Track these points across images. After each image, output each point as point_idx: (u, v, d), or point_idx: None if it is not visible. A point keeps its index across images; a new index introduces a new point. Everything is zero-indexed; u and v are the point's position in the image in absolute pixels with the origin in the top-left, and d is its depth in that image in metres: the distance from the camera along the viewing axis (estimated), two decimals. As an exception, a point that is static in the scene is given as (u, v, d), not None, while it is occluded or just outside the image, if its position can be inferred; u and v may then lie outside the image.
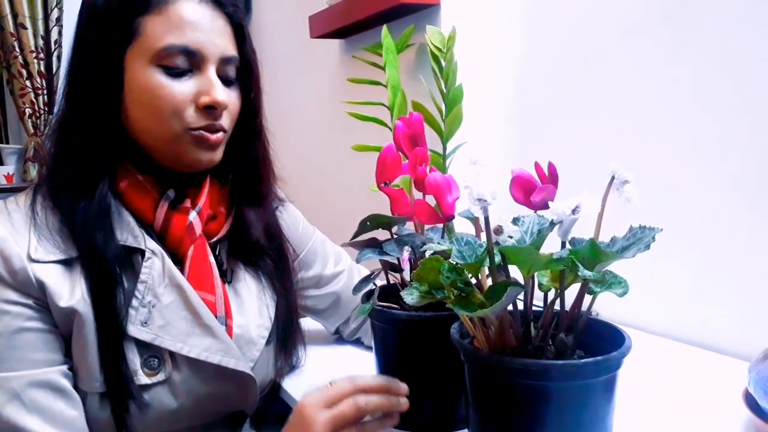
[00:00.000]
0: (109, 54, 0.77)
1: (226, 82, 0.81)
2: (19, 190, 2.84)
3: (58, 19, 2.61)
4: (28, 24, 2.55)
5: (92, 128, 0.78)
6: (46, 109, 2.63)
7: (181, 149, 0.79)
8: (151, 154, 0.81)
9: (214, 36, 0.78)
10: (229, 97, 0.81)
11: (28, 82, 2.58)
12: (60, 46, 2.62)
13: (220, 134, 0.81)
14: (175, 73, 0.77)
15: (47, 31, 2.59)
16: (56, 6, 2.59)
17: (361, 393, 0.70)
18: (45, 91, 2.62)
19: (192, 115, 0.78)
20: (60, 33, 2.62)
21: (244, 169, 0.89)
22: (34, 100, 2.60)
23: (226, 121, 0.81)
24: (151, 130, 0.79)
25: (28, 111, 2.60)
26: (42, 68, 2.60)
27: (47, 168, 0.82)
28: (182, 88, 0.77)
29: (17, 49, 2.55)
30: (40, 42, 2.58)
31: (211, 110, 0.79)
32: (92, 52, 0.78)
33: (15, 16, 2.54)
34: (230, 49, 0.81)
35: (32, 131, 2.62)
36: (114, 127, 0.79)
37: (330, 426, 0.67)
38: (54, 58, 2.62)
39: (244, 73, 0.84)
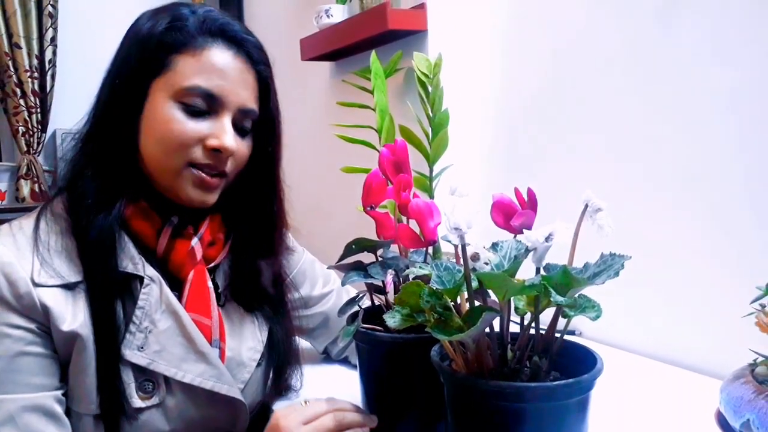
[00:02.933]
0: (136, 81, 0.80)
1: (241, 132, 0.84)
2: (11, 209, 2.82)
3: (53, 39, 2.64)
4: (22, 43, 2.58)
5: (108, 149, 0.81)
6: (39, 127, 2.65)
7: (179, 185, 0.81)
8: (153, 184, 0.83)
9: (238, 87, 0.81)
10: (238, 146, 0.83)
11: (21, 101, 2.60)
12: (54, 65, 2.65)
13: (217, 179, 0.83)
14: (193, 111, 0.79)
15: (42, 51, 2.62)
16: (51, 26, 2.62)
17: (338, 411, 0.73)
18: (38, 110, 2.64)
19: (198, 152, 0.80)
20: (54, 53, 2.65)
21: (258, 221, 0.90)
22: (27, 118, 2.62)
23: (229, 166, 0.83)
24: (156, 159, 0.81)
25: (21, 129, 2.62)
26: (36, 87, 2.62)
27: (64, 179, 0.83)
28: (195, 127, 0.79)
29: (11, 68, 2.58)
30: (35, 61, 2.61)
31: (218, 153, 0.81)
32: (121, 76, 0.81)
33: (10, 35, 2.57)
34: (251, 102, 0.83)
35: (25, 149, 2.64)
36: (129, 151, 0.81)
37: None
38: (48, 78, 2.64)
39: (263, 128, 0.86)
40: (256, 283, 0.90)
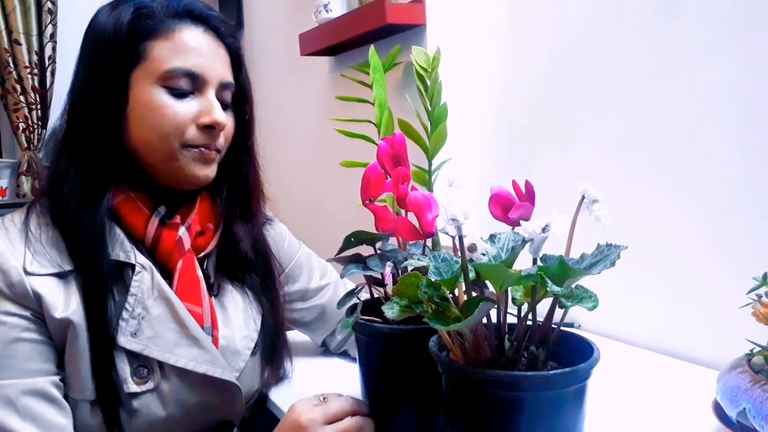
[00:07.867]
0: (115, 75, 0.81)
1: (223, 105, 0.86)
2: (11, 204, 2.82)
3: (53, 35, 2.63)
4: (22, 40, 2.58)
5: (94, 146, 0.82)
6: (40, 123, 2.65)
7: (179, 165, 0.84)
8: (149, 172, 0.85)
9: (214, 62, 0.84)
10: (226, 119, 0.86)
11: (22, 97, 2.60)
12: (54, 61, 2.65)
13: (215, 152, 0.86)
14: (179, 94, 0.82)
15: (41, 47, 2.62)
16: (50, 22, 2.62)
17: (358, 413, 0.76)
18: (39, 106, 2.64)
19: (193, 133, 0.83)
20: (54, 49, 2.64)
21: (237, 187, 0.93)
22: (27, 114, 2.62)
23: (221, 141, 0.86)
24: (152, 146, 0.83)
25: (21, 125, 2.62)
26: (36, 83, 2.62)
27: (46, 183, 0.84)
28: (185, 109, 0.82)
29: (11, 65, 2.58)
30: (35, 57, 2.60)
31: (210, 130, 0.83)
32: (97, 73, 0.82)
33: (9, 32, 2.57)
34: (228, 75, 0.86)
35: (26, 145, 2.64)
36: (114, 144, 0.83)
37: None
38: (48, 74, 2.64)
39: (239, 99, 0.89)
40: (236, 248, 0.92)
